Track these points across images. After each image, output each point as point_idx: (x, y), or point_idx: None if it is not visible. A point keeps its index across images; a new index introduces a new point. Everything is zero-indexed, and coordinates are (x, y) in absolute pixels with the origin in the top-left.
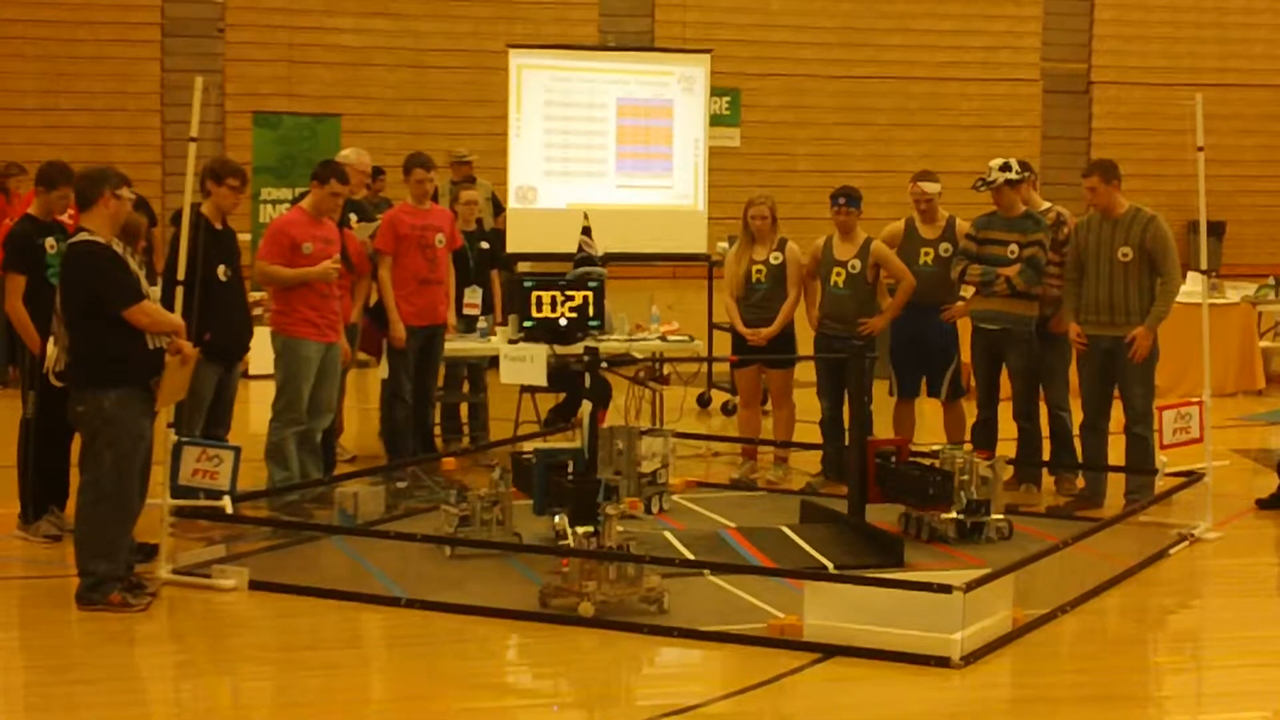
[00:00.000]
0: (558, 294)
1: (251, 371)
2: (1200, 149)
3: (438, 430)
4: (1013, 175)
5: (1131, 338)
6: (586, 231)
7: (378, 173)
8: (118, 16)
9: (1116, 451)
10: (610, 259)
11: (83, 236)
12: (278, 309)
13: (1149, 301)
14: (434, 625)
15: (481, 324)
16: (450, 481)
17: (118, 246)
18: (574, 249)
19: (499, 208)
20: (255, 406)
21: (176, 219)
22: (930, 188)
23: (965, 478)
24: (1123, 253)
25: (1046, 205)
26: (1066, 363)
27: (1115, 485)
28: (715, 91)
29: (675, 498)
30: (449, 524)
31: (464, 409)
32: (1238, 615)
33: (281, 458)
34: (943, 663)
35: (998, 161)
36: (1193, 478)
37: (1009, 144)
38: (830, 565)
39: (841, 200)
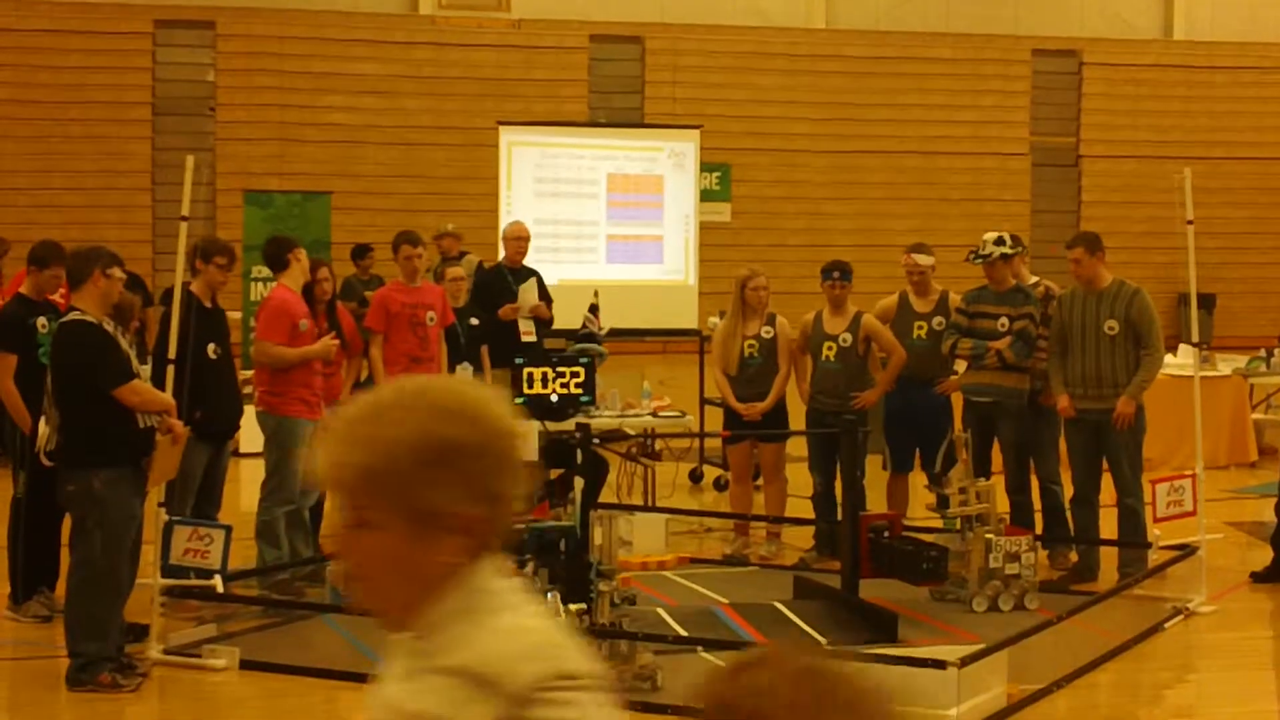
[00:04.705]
0: (549, 370)
1: (242, 450)
2: (1189, 222)
3: None
4: (1006, 249)
5: (1118, 415)
6: (593, 309)
7: (366, 250)
8: (109, 96)
9: (1108, 524)
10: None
11: (74, 316)
12: (272, 389)
13: (1135, 373)
14: None
15: None
16: None
17: (109, 326)
18: (564, 324)
19: None
20: (245, 485)
21: (166, 298)
22: (924, 260)
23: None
24: (1109, 326)
25: (1035, 279)
26: (1057, 436)
27: (1108, 558)
28: (705, 167)
29: (668, 574)
30: None
31: None
32: (1233, 689)
33: (273, 536)
34: None
35: (992, 235)
36: (1186, 551)
37: (999, 217)
38: (824, 641)
39: (835, 274)
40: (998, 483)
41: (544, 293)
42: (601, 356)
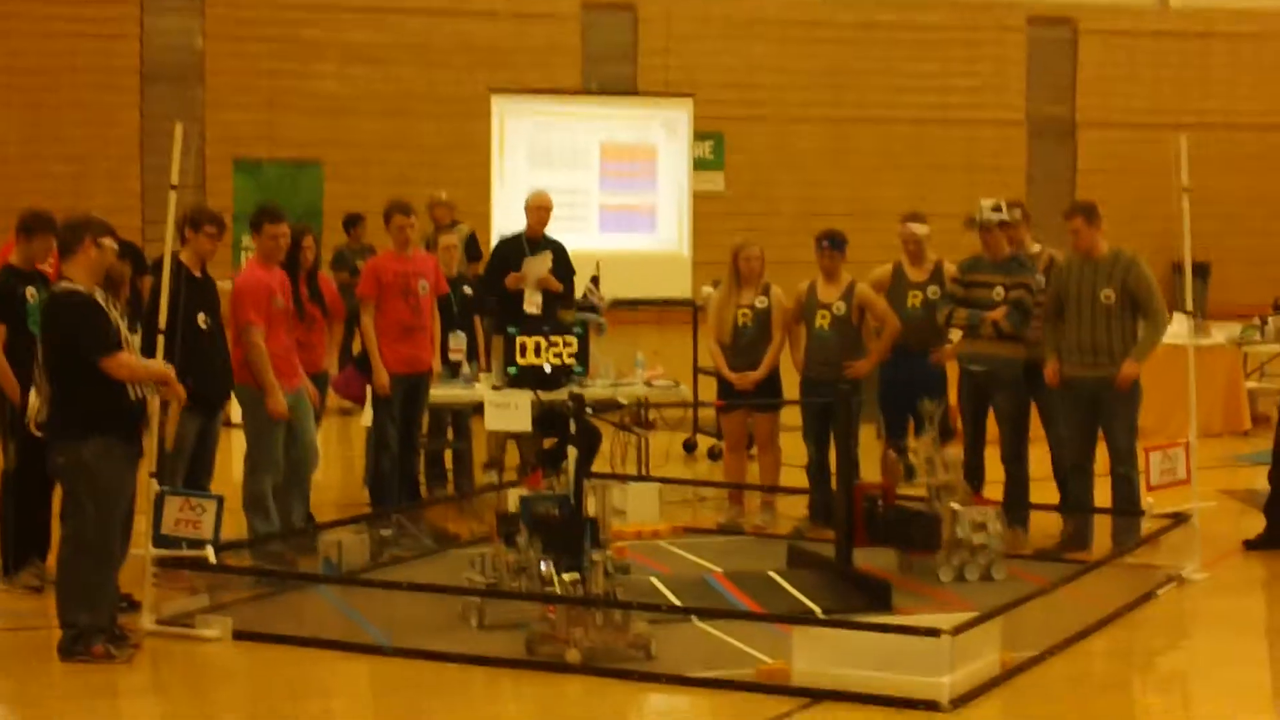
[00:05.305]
0: (542, 340)
1: (233, 420)
2: (1185, 190)
3: (422, 478)
4: (1004, 216)
5: (1122, 377)
6: (595, 281)
7: (358, 219)
8: (97, 63)
9: (1102, 493)
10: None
11: (63, 285)
12: (244, 361)
13: (1131, 343)
14: (420, 674)
15: (465, 370)
16: (435, 529)
17: (99, 296)
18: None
19: (476, 253)
20: (237, 455)
21: (156, 267)
22: (919, 229)
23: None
24: (1105, 295)
25: (1038, 247)
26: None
27: (1102, 527)
28: (699, 135)
29: (662, 543)
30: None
31: (448, 456)
32: (1226, 656)
33: (262, 508)
34: (931, 706)
35: (989, 201)
36: (1180, 519)
37: (994, 186)
38: (818, 610)
39: (826, 243)
40: (991, 454)
41: (565, 265)
42: (601, 328)
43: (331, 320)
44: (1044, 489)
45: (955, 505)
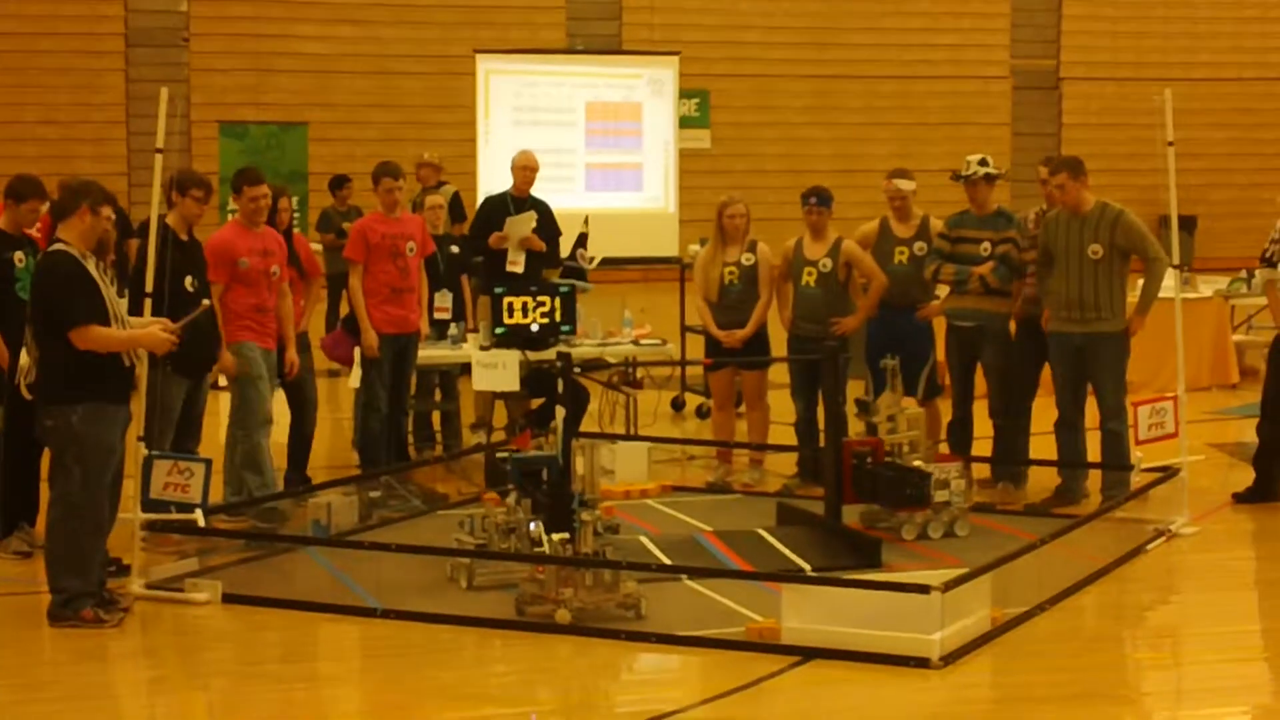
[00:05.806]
0: (529, 300)
1: (221, 383)
2: (1170, 144)
3: (410, 438)
4: (991, 170)
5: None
6: (582, 240)
7: (344, 181)
8: (81, 27)
9: (1091, 447)
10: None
11: (56, 247)
12: (223, 318)
13: (1120, 297)
14: (410, 635)
15: (452, 331)
16: (424, 490)
17: (91, 262)
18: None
19: (461, 213)
20: (225, 418)
21: (142, 231)
22: (905, 185)
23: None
24: (1093, 250)
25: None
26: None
27: (1091, 481)
28: (684, 93)
29: (650, 502)
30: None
31: (436, 417)
32: (1216, 610)
33: (256, 465)
34: (922, 663)
35: (976, 157)
36: (1169, 473)
37: (979, 141)
38: (808, 567)
39: (812, 200)
40: (980, 409)
41: (550, 225)
42: (585, 289)
43: (309, 281)
44: (1040, 443)
45: (917, 462)
